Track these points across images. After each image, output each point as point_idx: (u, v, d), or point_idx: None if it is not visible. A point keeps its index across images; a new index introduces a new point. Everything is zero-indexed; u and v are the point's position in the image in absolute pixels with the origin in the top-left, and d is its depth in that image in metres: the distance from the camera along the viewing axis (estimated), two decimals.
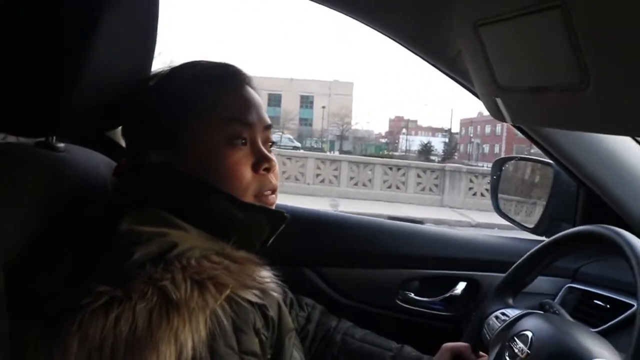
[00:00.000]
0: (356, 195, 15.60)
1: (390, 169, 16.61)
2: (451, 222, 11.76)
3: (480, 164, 42.80)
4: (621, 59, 0.67)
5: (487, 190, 15.63)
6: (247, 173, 0.90)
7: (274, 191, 0.94)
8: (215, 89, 0.92)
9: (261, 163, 0.92)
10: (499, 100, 0.99)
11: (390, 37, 1.30)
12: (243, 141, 0.91)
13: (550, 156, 1.45)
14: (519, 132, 1.49)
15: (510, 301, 1.23)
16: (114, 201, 0.88)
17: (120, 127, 1.02)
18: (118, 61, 0.88)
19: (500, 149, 53.35)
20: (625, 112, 0.73)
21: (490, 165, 1.98)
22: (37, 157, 0.90)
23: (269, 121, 0.96)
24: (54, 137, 0.95)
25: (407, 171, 16.41)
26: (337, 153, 37.13)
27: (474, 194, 15.99)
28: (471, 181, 16.10)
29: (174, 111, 0.90)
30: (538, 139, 1.41)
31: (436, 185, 16.27)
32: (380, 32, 1.29)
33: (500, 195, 1.78)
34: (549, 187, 1.60)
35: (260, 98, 0.97)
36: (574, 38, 0.70)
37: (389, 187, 16.31)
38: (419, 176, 16.35)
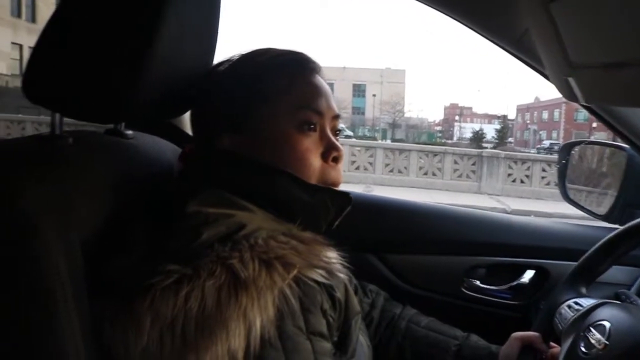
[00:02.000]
0: (392, 182, 15.48)
1: (427, 155, 16.37)
2: (485, 209, 11.50)
3: (534, 150, 41.73)
4: None
5: (526, 176, 15.30)
6: (316, 160, 0.91)
7: (337, 184, 0.94)
8: (287, 76, 0.92)
9: (330, 152, 0.93)
10: (571, 80, 0.95)
11: (453, 17, 1.26)
12: (313, 127, 0.91)
13: (625, 139, 1.38)
14: (577, 118, 1.42)
15: (584, 290, 1.18)
16: (182, 185, 0.89)
17: (185, 114, 1.04)
18: (184, 49, 0.89)
19: (558, 135, 51.87)
20: None
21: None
22: (108, 143, 0.93)
23: (337, 111, 0.96)
24: (123, 125, 0.98)
25: (443, 157, 16.13)
26: (389, 141, 36.86)
27: (513, 181, 15.63)
28: (510, 167, 15.72)
29: (245, 96, 0.90)
30: (612, 121, 1.33)
31: (473, 172, 15.96)
32: (443, 12, 1.25)
33: (567, 182, 1.71)
34: (622, 172, 1.52)
35: (329, 87, 0.97)
36: None
37: (425, 173, 16.10)
38: (455, 162, 16.06)
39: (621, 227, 1.18)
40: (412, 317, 1.27)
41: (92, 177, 0.81)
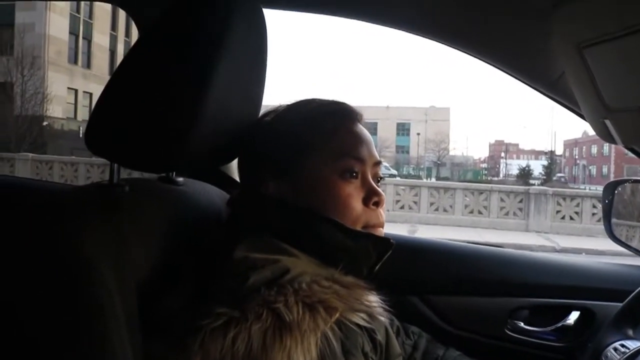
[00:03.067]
0: (437, 221, 15.26)
1: (472, 193, 16.11)
2: (534, 247, 11.13)
3: (583, 186, 40.58)
4: None
5: (576, 213, 14.86)
6: (358, 205, 0.94)
7: (379, 227, 0.97)
8: (329, 126, 0.97)
9: (371, 197, 0.96)
10: (608, 122, 0.96)
11: (490, 64, 1.30)
12: (355, 175, 0.95)
13: None
14: (628, 152, 1.42)
15: (630, 332, 1.16)
16: (230, 230, 0.94)
17: (233, 161, 1.09)
18: (233, 101, 0.95)
19: (608, 170, 50.46)
20: None
21: (599, 187, 1.89)
22: (161, 190, 1.00)
23: (378, 157, 1.00)
24: (174, 172, 1.04)
25: (489, 195, 15.83)
26: (433, 180, 36.53)
27: (562, 218, 15.16)
28: (558, 204, 15.26)
29: (289, 146, 0.96)
30: None
31: (520, 209, 15.57)
32: (480, 59, 1.29)
33: (613, 220, 1.69)
34: None
35: (370, 135, 1.01)
36: None
37: (471, 212, 15.80)
38: (502, 200, 15.72)
39: None
40: (456, 359, 1.27)
41: (147, 223, 0.86)
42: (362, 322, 0.80)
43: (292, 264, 0.82)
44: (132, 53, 0.86)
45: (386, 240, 0.94)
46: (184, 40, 0.84)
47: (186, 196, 1.03)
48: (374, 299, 0.86)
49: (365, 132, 1.00)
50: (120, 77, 0.85)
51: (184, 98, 0.82)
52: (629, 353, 1.06)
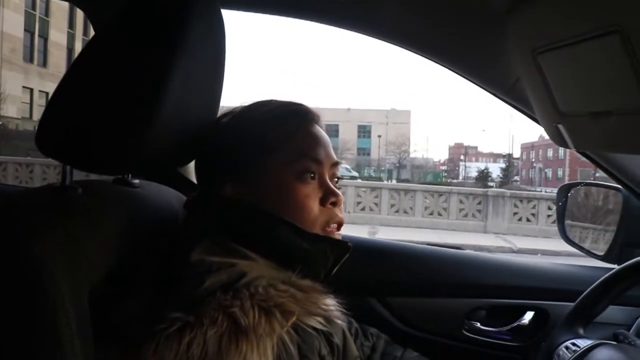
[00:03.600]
0: (398, 222, 15.41)
1: (432, 195, 16.32)
2: (492, 249, 11.41)
3: (539, 189, 41.58)
4: None
5: (532, 215, 15.22)
6: (315, 206, 0.94)
7: (340, 225, 0.98)
8: (287, 127, 0.96)
9: (328, 197, 0.96)
10: (561, 127, 0.99)
11: (447, 67, 1.31)
12: (312, 176, 0.95)
13: (618, 180, 1.41)
14: (582, 156, 1.45)
15: (581, 331, 1.19)
16: (186, 232, 0.93)
17: (191, 163, 1.08)
18: (190, 101, 0.93)
19: (563, 173, 51.79)
20: None
21: (555, 190, 1.93)
22: (117, 193, 0.97)
23: (336, 158, 1.01)
24: (130, 174, 1.02)
25: (448, 197, 16.06)
26: (394, 182, 36.87)
27: (519, 219, 15.49)
28: (515, 206, 15.57)
29: (247, 148, 0.95)
30: (604, 164, 1.37)
31: (479, 211, 15.85)
32: (437, 62, 1.31)
33: (566, 222, 1.73)
34: (619, 212, 1.54)
35: (327, 136, 1.01)
36: (634, 61, 0.70)
37: (431, 213, 16.00)
38: (461, 202, 15.96)
39: (618, 267, 1.20)
40: None
41: (101, 225, 0.84)
42: (319, 326, 0.80)
43: (249, 267, 0.82)
44: (86, 51, 0.84)
45: (343, 244, 0.94)
46: (139, 39, 0.82)
47: (142, 198, 1.01)
48: (331, 303, 0.86)
49: (323, 133, 1.00)
50: (73, 76, 0.83)
51: (139, 98, 0.80)
52: (580, 351, 1.09)
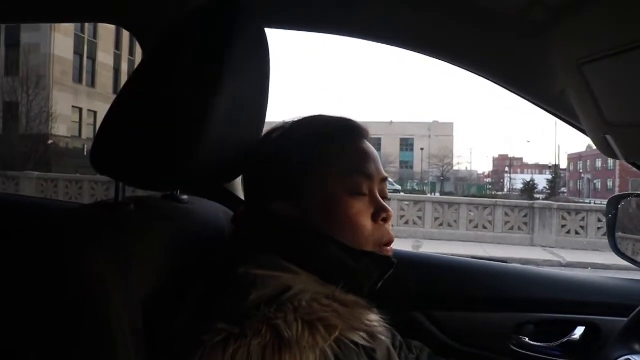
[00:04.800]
0: (442, 236, 15.24)
1: (477, 208, 16.07)
2: (539, 262, 11.12)
3: (588, 200, 40.47)
4: None
5: (581, 227, 14.79)
6: (368, 223, 0.94)
7: (390, 243, 0.97)
8: (337, 143, 0.96)
9: (380, 213, 0.95)
10: (609, 137, 0.97)
11: (490, 80, 1.31)
12: (363, 192, 0.94)
13: None
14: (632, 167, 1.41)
15: (637, 347, 1.16)
16: (233, 247, 0.94)
17: (238, 179, 1.10)
18: (238, 117, 0.95)
19: (613, 184, 50.28)
20: None
21: (604, 201, 1.88)
22: (166, 208, 1.01)
23: (385, 174, 1.00)
24: (179, 190, 1.05)
25: (493, 210, 15.79)
26: (438, 195, 36.44)
27: (568, 232, 15.11)
28: (563, 218, 15.19)
29: (296, 163, 0.95)
30: None
31: (525, 224, 15.50)
32: (482, 76, 1.30)
33: (618, 235, 1.69)
34: None
35: (376, 151, 1.01)
36: None
37: (475, 226, 15.76)
38: (506, 214, 15.65)
39: None
40: None
41: (152, 241, 0.88)
42: (361, 342, 0.80)
43: (293, 281, 0.83)
44: (137, 73, 0.87)
45: (388, 260, 0.94)
46: (187, 60, 0.85)
47: (191, 214, 1.04)
48: (374, 318, 0.86)
49: (372, 149, 1.00)
50: (125, 97, 0.86)
51: (188, 116, 0.83)
52: None
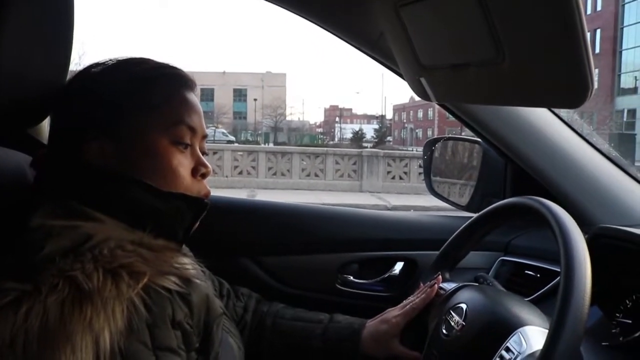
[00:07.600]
0: (275, 185, 15.69)
1: (309, 157, 16.68)
2: (367, 207, 11.89)
3: (411, 148, 43.70)
4: (530, 34, 0.70)
5: (405, 173, 16.02)
6: (187, 175, 0.90)
7: (207, 197, 0.94)
8: (165, 89, 0.90)
9: (199, 168, 0.92)
10: (423, 80, 1.01)
11: (313, 22, 1.30)
12: (186, 145, 0.90)
13: (478, 134, 1.48)
14: (450, 115, 1.51)
15: (447, 276, 1.25)
16: (32, 196, 0.85)
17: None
18: (34, 57, 0.86)
19: (433, 133, 54.56)
20: (538, 84, 0.76)
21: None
22: None
23: (207, 132, 0.97)
24: None
25: (324, 158, 16.51)
26: (271, 145, 37.01)
27: (393, 178, 16.29)
28: (389, 165, 16.34)
29: (111, 103, 0.87)
30: (464, 117, 1.43)
31: (354, 171, 16.45)
32: (304, 17, 1.29)
33: (435, 178, 1.81)
34: (479, 164, 1.63)
35: (201, 107, 0.97)
36: (488, 15, 0.72)
37: (308, 175, 16.40)
38: (337, 163, 16.48)
39: (476, 214, 1.26)
40: (278, 312, 1.28)
41: None
42: (173, 287, 0.76)
43: (95, 229, 0.77)
44: None
45: (200, 200, 0.90)
46: None
47: None
48: (186, 261, 0.83)
49: (198, 103, 0.95)
50: None
51: None
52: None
